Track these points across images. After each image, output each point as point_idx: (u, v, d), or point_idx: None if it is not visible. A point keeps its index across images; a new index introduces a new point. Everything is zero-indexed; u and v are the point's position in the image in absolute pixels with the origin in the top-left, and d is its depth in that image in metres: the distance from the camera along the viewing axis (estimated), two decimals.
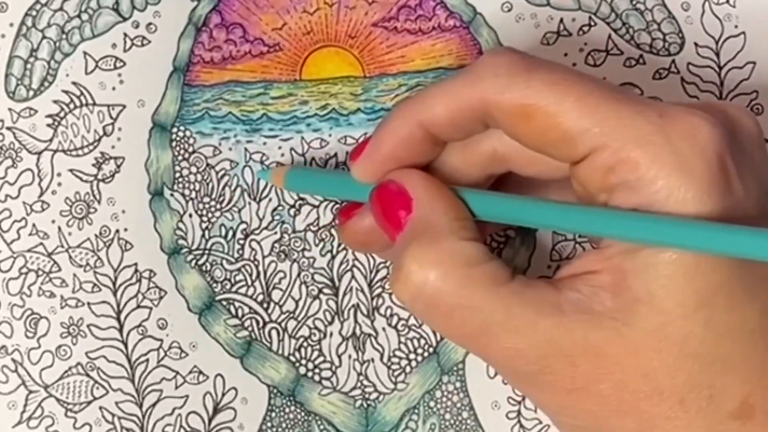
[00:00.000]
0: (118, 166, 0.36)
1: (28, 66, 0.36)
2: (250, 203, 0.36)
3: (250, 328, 0.35)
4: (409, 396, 0.35)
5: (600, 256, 0.27)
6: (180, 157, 0.36)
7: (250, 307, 0.35)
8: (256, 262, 0.35)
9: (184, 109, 0.36)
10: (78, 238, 0.36)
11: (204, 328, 0.35)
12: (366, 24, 0.36)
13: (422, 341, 0.35)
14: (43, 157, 0.36)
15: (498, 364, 0.28)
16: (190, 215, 0.36)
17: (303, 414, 0.35)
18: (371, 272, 0.35)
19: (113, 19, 0.36)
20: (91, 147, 0.36)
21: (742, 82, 0.36)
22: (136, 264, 0.36)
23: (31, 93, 0.36)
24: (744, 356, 0.26)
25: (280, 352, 0.35)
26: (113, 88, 0.36)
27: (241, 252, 0.35)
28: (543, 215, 0.28)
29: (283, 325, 0.35)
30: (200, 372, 0.35)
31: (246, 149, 0.36)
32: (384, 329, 0.35)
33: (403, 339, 0.35)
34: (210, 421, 0.35)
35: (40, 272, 0.36)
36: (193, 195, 0.36)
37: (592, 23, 0.36)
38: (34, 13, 0.36)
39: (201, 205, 0.36)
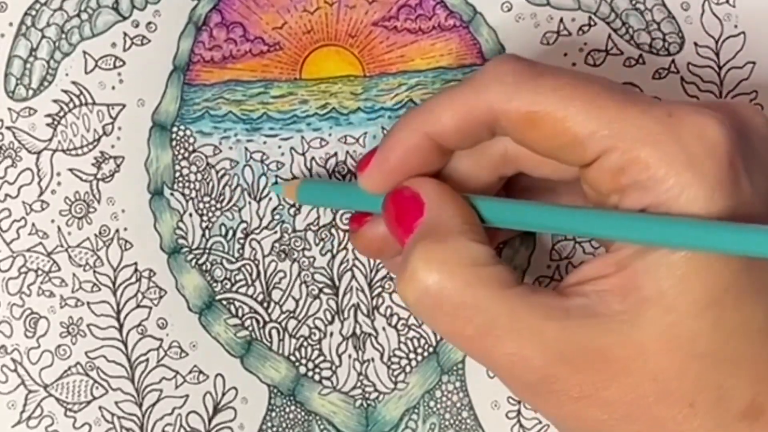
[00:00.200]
0: (118, 166, 0.36)
1: (28, 65, 0.36)
2: (250, 202, 0.36)
3: (250, 328, 0.35)
4: (409, 396, 0.35)
5: (610, 260, 0.27)
6: (180, 157, 0.36)
7: (251, 307, 0.35)
8: (256, 262, 0.35)
9: (184, 109, 0.36)
10: (77, 237, 0.36)
11: (204, 328, 0.35)
12: (366, 23, 0.36)
13: (422, 341, 0.35)
14: (43, 157, 0.36)
15: (501, 370, 0.28)
16: (190, 215, 0.36)
17: (303, 414, 0.35)
18: (371, 272, 0.35)
19: (113, 18, 0.36)
20: (90, 146, 0.36)
21: (742, 82, 0.36)
22: (135, 263, 0.36)
23: (31, 92, 0.36)
24: (752, 356, 0.26)
25: (280, 351, 0.35)
26: (113, 88, 0.36)
27: (241, 251, 0.35)
28: (555, 220, 0.28)
29: (283, 324, 0.35)
30: (200, 372, 0.35)
31: (246, 148, 0.36)
32: (384, 329, 0.35)
33: (403, 339, 0.35)
34: (210, 420, 0.35)
35: (40, 272, 0.36)
36: (193, 194, 0.36)
37: (592, 23, 0.36)
38: (33, 12, 0.36)
39: (201, 205, 0.36)
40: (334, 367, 0.35)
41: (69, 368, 0.35)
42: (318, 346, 0.35)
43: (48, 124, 0.36)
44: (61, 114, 0.36)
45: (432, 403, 0.35)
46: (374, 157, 0.30)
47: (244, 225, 0.36)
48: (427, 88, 0.36)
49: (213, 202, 0.36)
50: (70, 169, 0.36)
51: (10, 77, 0.36)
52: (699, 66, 0.36)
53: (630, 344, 0.26)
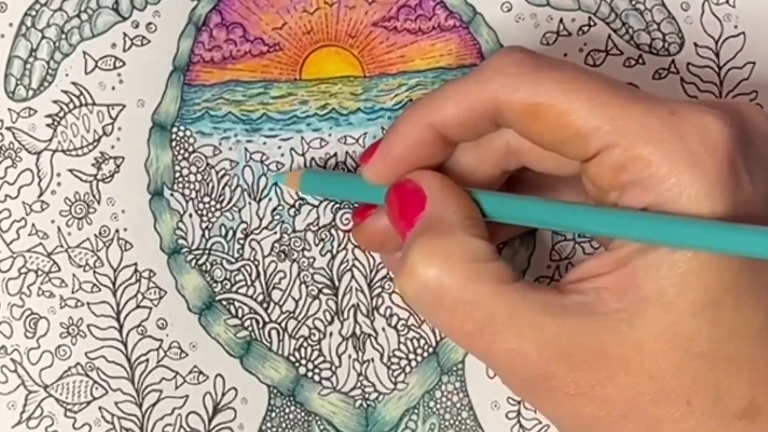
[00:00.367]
0: (118, 166, 0.36)
1: (28, 66, 0.36)
2: (250, 203, 0.36)
3: (250, 328, 0.35)
4: (408, 396, 0.35)
5: (609, 258, 0.27)
6: (180, 157, 0.36)
7: (250, 307, 0.35)
8: (256, 262, 0.35)
9: (184, 109, 0.36)
10: (77, 238, 0.36)
11: (204, 328, 0.35)
12: (366, 24, 0.36)
13: (422, 341, 0.35)
14: (43, 157, 0.36)
15: (500, 366, 0.28)
16: (190, 215, 0.36)
17: (303, 414, 0.35)
18: (371, 272, 0.35)
19: (113, 18, 0.36)
20: (90, 147, 0.36)
21: (742, 82, 0.36)
22: (135, 264, 0.36)
23: (31, 93, 0.36)
24: (750, 356, 0.26)
25: (279, 352, 0.35)
26: (113, 88, 0.36)
27: (241, 252, 0.35)
28: (557, 216, 0.28)
29: (283, 325, 0.35)
30: (200, 372, 0.35)
31: (246, 149, 0.36)
32: (384, 329, 0.35)
33: (402, 339, 0.35)
34: (210, 421, 0.35)
35: (40, 272, 0.36)
36: (193, 195, 0.36)
37: (592, 23, 0.36)
38: (33, 13, 0.36)
39: (201, 205, 0.36)
40: (333, 368, 0.35)
41: (69, 369, 0.35)
42: (318, 347, 0.35)
43: (48, 125, 0.36)
44: (61, 114, 0.36)
45: (432, 404, 0.35)
46: (378, 148, 0.30)
47: (244, 225, 0.36)
48: (427, 89, 0.36)
49: (213, 202, 0.36)
50: (70, 170, 0.36)
51: (10, 78, 0.36)
52: (699, 66, 0.36)
53: (628, 342, 0.26)
